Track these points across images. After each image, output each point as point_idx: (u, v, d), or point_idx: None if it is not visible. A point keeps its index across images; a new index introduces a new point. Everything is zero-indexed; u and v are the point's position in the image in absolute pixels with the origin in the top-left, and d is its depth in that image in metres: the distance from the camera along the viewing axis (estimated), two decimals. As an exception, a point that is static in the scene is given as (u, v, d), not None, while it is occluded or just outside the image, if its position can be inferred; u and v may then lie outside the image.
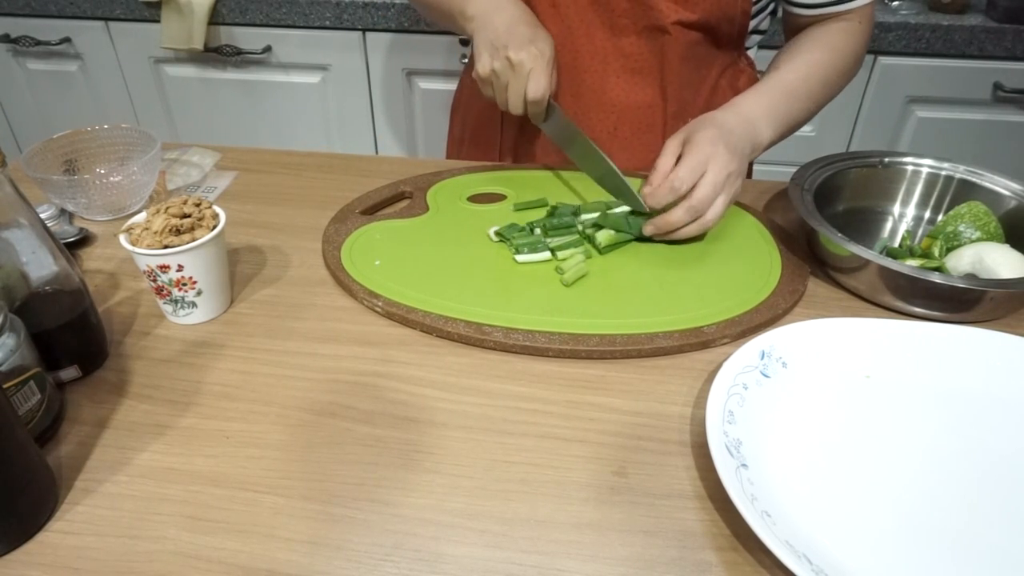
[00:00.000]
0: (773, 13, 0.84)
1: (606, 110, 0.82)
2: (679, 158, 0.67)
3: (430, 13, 0.85)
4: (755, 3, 0.78)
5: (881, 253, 0.62)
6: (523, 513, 0.45)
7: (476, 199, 0.77)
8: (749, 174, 0.95)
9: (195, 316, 0.60)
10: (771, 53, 0.83)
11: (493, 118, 0.88)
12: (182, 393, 0.54)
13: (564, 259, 0.66)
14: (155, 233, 0.56)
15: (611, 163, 0.71)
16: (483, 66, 0.73)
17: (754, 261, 0.67)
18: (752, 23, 0.81)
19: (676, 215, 0.66)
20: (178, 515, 0.45)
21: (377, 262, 0.66)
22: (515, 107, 0.73)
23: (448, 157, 1.01)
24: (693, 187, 0.65)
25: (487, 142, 0.91)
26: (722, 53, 0.82)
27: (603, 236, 0.68)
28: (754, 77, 0.88)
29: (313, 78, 1.50)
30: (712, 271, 0.66)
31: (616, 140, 0.83)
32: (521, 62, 0.70)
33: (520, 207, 0.75)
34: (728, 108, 0.72)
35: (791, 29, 0.82)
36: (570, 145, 0.75)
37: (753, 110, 0.72)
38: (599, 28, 0.78)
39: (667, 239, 0.68)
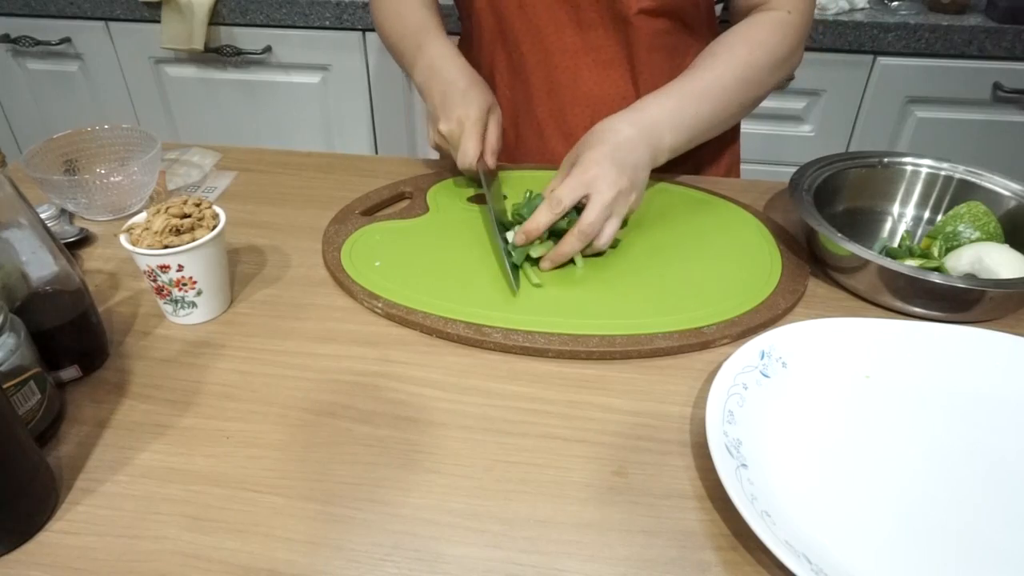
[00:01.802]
0: None
1: (581, 104, 0.82)
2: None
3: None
4: None
5: (881, 253, 0.62)
6: (523, 513, 0.45)
7: (476, 199, 0.77)
8: (736, 174, 0.95)
9: (195, 316, 0.60)
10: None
11: None
12: (182, 393, 0.54)
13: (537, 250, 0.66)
14: (155, 233, 0.56)
15: (501, 241, 0.66)
16: (430, 140, 0.77)
17: (754, 261, 0.67)
18: (719, 6, 0.81)
19: (568, 244, 0.64)
20: (178, 515, 0.45)
21: (377, 263, 0.66)
22: (465, 172, 0.76)
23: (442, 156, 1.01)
24: (583, 212, 0.63)
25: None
26: (695, 41, 0.82)
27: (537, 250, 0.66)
28: None
29: (313, 78, 1.50)
30: (712, 271, 0.66)
31: None
32: (450, 133, 0.73)
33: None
34: (629, 112, 0.70)
35: (734, 16, 0.80)
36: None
37: (656, 115, 0.69)
38: (567, 24, 0.79)
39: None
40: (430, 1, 0.85)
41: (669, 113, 0.69)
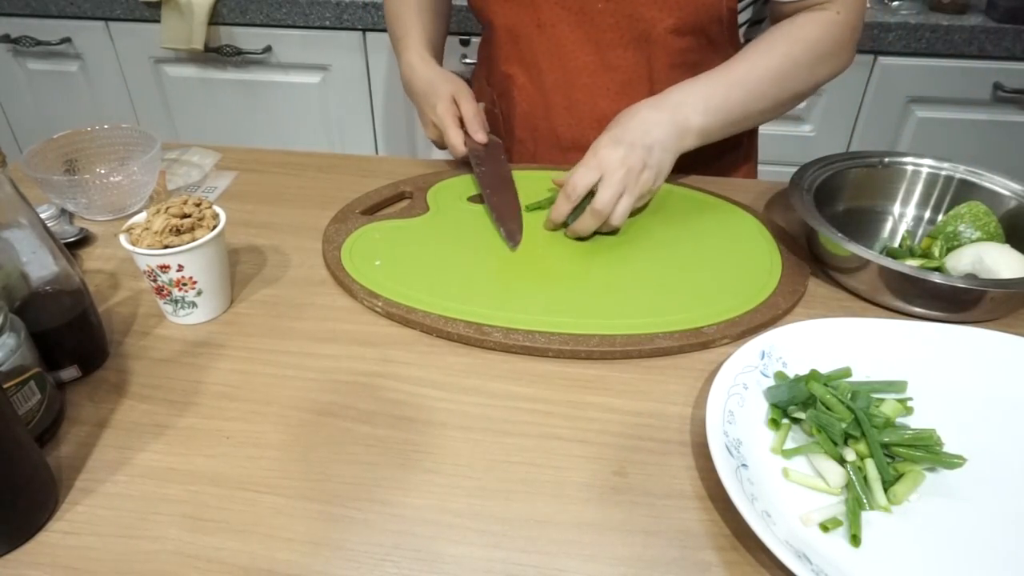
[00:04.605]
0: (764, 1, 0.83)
1: (601, 123, 0.82)
2: None
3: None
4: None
5: (881, 253, 0.62)
6: (523, 513, 0.45)
7: (476, 199, 0.77)
8: (754, 174, 0.95)
9: (195, 316, 0.60)
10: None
11: (494, 124, 0.89)
12: (182, 393, 0.54)
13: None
14: (155, 233, 0.56)
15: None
16: (430, 139, 0.84)
17: (754, 261, 0.67)
18: (743, 16, 0.81)
19: (584, 224, 0.67)
20: (178, 515, 0.45)
21: (377, 262, 0.66)
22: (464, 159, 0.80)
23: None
24: (597, 192, 0.66)
25: None
26: (718, 57, 0.81)
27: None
28: None
29: (313, 78, 1.50)
30: (712, 271, 0.66)
31: None
32: (436, 138, 0.81)
33: (532, 207, 0.75)
34: (655, 97, 0.71)
35: (774, 20, 0.80)
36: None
37: (681, 97, 0.70)
38: (585, 44, 0.79)
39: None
40: (424, 4, 0.88)
41: (697, 95, 0.70)
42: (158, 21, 1.44)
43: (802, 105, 1.41)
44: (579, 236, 0.69)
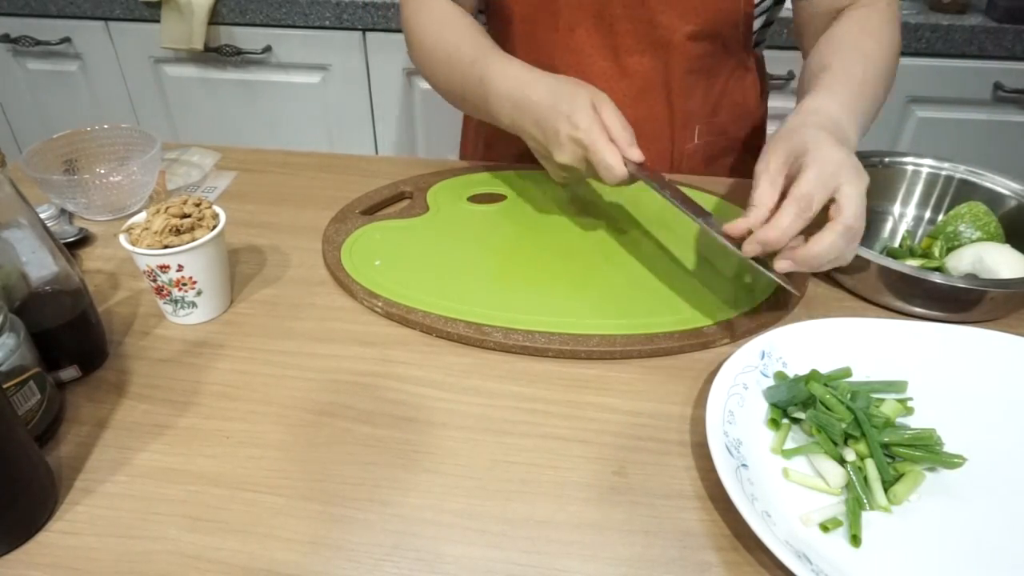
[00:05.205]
0: (779, 3, 0.82)
1: None
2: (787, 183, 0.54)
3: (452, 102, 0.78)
4: (758, 3, 0.77)
5: (881, 253, 0.62)
6: (523, 513, 0.45)
7: (476, 199, 0.77)
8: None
9: (195, 316, 0.60)
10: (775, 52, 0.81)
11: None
12: (182, 393, 0.54)
13: None
14: (155, 233, 0.56)
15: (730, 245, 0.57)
16: (556, 178, 0.70)
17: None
18: (758, 22, 0.81)
19: (829, 243, 0.50)
20: (178, 515, 0.45)
21: (377, 262, 0.66)
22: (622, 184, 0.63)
23: (463, 155, 1.01)
24: (844, 207, 0.51)
25: (506, 145, 0.90)
26: (730, 60, 0.81)
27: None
28: (757, 74, 0.87)
29: (313, 78, 1.50)
30: (712, 271, 0.66)
31: None
32: (576, 159, 0.63)
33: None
34: (809, 114, 0.59)
35: (800, 18, 0.78)
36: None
37: (835, 111, 0.59)
38: (603, 50, 0.78)
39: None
40: (469, 23, 0.75)
41: (844, 108, 0.61)
42: (158, 21, 1.44)
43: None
44: (811, 267, 0.52)
